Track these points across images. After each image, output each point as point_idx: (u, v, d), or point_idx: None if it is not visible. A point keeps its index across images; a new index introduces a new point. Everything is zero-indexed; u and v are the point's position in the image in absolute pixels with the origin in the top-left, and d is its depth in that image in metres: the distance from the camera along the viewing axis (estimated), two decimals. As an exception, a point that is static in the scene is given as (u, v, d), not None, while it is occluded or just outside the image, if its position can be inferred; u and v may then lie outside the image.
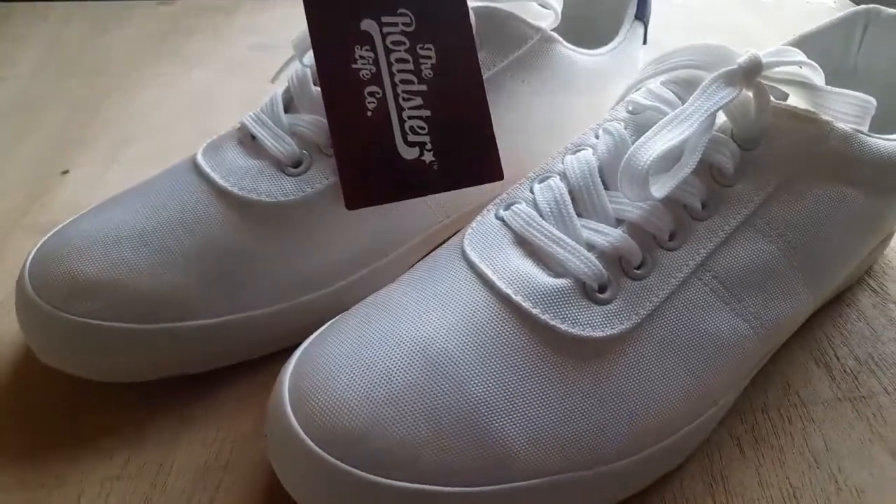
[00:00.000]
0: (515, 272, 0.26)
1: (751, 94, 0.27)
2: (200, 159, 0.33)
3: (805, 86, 0.28)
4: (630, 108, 0.30)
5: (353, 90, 0.31)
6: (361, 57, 0.31)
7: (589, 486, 0.25)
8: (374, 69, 0.31)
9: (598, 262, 0.26)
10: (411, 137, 0.32)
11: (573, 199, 0.28)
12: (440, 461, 0.23)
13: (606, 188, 0.28)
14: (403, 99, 0.32)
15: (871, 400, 0.32)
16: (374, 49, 0.31)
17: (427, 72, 0.32)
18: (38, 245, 0.31)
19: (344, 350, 0.25)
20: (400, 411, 0.23)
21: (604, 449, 0.25)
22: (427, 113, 0.32)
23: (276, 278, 0.32)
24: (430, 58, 0.32)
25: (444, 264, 0.28)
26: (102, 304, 0.29)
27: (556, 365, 0.25)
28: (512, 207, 0.28)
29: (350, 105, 0.31)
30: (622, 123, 0.29)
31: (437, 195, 0.33)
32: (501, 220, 0.28)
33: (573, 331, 0.25)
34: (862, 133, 0.29)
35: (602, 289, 0.26)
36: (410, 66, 0.32)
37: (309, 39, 0.31)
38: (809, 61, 0.28)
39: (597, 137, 0.30)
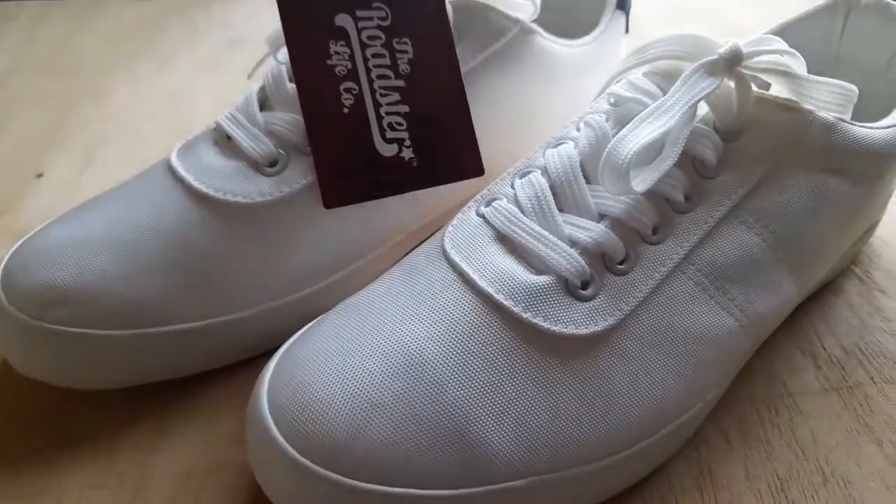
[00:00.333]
0: (497, 270, 0.26)
1: (732, 84, 0.27)
2: (175, 161, 0.32)
3: (786, 75, 0.28)
4: (611, 100, 0.30)
5: (328, 87, 0.31)
6: (337, 52, 0.31)
7: (574, 485, 0.25)
8: (349, 65, 0.31)
9: (580, 259, 0.25)
10: (389, 134, 0.32)
11: (555, 194, 0.27)
12: (420, 465, 0.22)
13: (588, 182, 0.27)
14: (381, 95, 0.31)
15: (858, 390, 0.32)
16: (349, 44, 0.31)
17: (404, 66, 0.32)
18: (11, 252, 0.31)
19: (323, 353, 0.24)
20: (380, 415, 0.23)
21: (588, 448, 0.25)
22: (405, 108, 0.32)
23: (253, 281, 0.31)
24: (406, 52, 0.31)
25: (425, 263, 0.27)
26: (78, 311, 0.29)
27: (539, 364, 0.24)
28: (493, 204, 0.28)
29: (326, 102, 0.31)
30: (604, 116, 0.29)
31: (417, 192, 0.33)
32: (482, 217, 0.28)
33: (556, 329, 0.25)
34: (844, 121, 0.28)
35: (585, 285, 0.26)
36: (387, 61, 0.31)
37: (283, 35, 0.31)
38: (791, 50, 0.28)
39: (578, 130, 0.29)
